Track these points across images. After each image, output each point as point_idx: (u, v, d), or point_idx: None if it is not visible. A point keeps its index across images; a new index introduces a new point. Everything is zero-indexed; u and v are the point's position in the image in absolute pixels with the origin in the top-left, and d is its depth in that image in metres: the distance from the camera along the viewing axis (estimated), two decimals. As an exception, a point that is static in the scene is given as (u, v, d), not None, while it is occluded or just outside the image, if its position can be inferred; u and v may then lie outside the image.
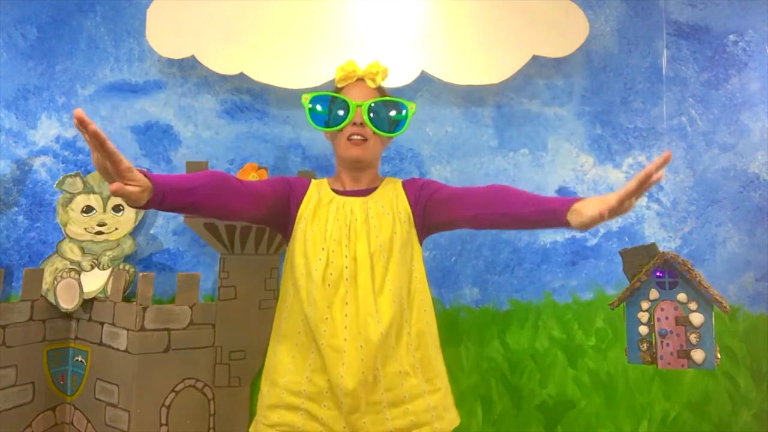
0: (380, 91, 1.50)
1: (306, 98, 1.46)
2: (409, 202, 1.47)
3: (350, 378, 1.29)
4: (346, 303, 1.35)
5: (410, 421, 1.34)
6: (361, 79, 1.49)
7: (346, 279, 1.36)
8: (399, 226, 1.42)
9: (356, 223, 1.40)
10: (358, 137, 1.43)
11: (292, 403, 1.34)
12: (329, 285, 1.35)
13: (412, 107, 1.46)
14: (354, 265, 1.36)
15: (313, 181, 1.55)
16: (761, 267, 2.34)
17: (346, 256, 1.37)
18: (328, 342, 1.32)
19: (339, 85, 1.51)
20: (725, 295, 2.25)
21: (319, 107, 1.46)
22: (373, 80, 1.48)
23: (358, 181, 1.50)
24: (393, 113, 1.46)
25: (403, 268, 1.41)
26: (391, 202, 1.46)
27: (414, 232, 1.46)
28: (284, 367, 1.37)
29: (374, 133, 1.44)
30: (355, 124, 1.43)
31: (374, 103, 1.43)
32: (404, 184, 1.53)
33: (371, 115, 1.42)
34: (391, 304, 1.35)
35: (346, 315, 1.34)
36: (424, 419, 1.35)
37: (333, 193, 1.49)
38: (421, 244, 1.50)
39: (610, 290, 2.28)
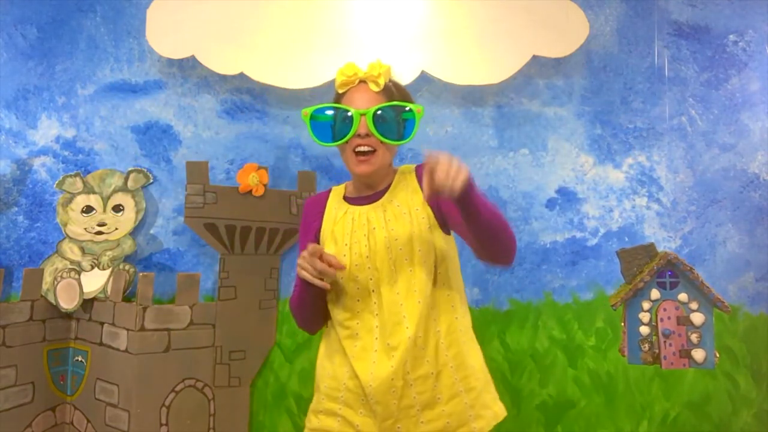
0: (386, 92, 1.36)
1: (306, 114, 1.35)
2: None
3: (379, 386, 1.28)
4: (375, 314, 1.33)
5: (445, 422, 1.31)
6: (363, 82, 1.37)
7: (372, 291, 1.33)
8: (417, 224, 1.35)
9: (374, 232, 1.35)
10: (366, 148, 1.32)
11: (330, 408, 1.35)
12: (358, 300, 1.35)
13: (419, 111, 1.33)
14: (377, 275, 1.33)
15: (333, 190, 1.50)
16: (761, 267, 2.34)
17: (369, 267, 1.33)
18: (357, 355, 1.32)
19: (340, 91, 1.40)
20: (725, 295, 2.24)
21: (321, 121, 1.35)
22: (376, 83, 1.35)
23: (369, 189, 1.43)
24: (401, 117, 1.33)
25: (427, 267, 1.35)
26: (407, 200, 1.38)
27: (435, 224, 1.36)
28: (325, 372, 1.39)
29: (381, 142, 1.32)
30: (360, 135, 1.31)
31: (379, 110, 1.31)
32: (418, 174, 1.41)
33: (377, 123, 1.30)
34: (417, 306, 1.31)
35: (376, 326, 1.32)
36: (460, 420, 1.32)
37: (347, 204, 1.42)
38: (449, 233, 1.40)
39: (610, 290, 2.28)
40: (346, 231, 1.37)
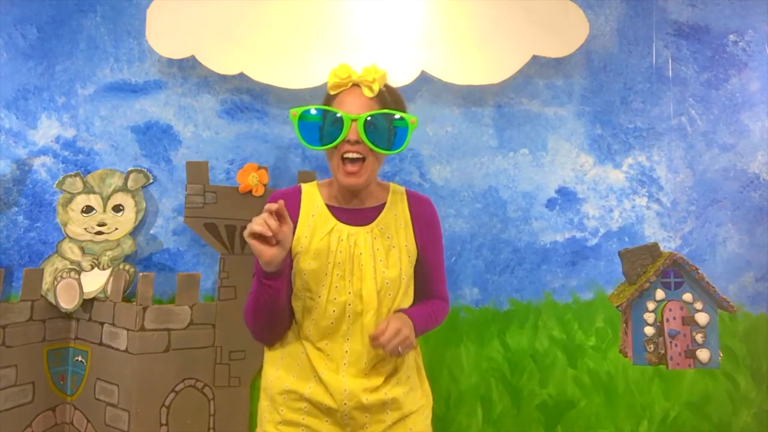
0: (380, 99, 1.31)
1: (294, 114, 1.29)
2: (415, 237, 1.39)
3: (356, 405, 1.29)
4: (347, 339, 1.32)
5: (408, 428, 1.36)
6: (356, 86, 1.31)
7: (349, 316, 1.31)
8: (406, 261, 1.36)
9: (361, 257, 1.31)
10: (354, 155, 1.27)
11: (292, 419, 1.33)
12: (332, 323, 1.32)
13: (412, 121, 1.28)
14: (359, 303, 1.31)
15: (303, 189, 1.41)
16: (761, 267, 2.34)
17: (350, 293, 1.31)
18: (328, 372, 1.31)
19: (332, 93, 1.33)
20: (725, 295, 2.25)
21: (309, 123, 1.29)
22: (370, 88, 1.29)
23: (354, 200, 1.38)
24: (391, 126, 1.28)
25: (407, 299, 1.39)
26: (398, 233, 1.37)
27: (415, 260, 1.40)
28: (282, 385, 1.35)
29: (372, 150, 1.28)
30: (349, 141, 1.26)
31: (371, 116, 1.26)
32: (411, 210, 1.41)
33: (368, 130, 1.25)
34: None
35: (346, 351, 1.31)
36: (421, 429, 1.39)
37: (333, 219, 1.35)
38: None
39: (610, 290, 2.28)
40: (332, 249, 1.32)
